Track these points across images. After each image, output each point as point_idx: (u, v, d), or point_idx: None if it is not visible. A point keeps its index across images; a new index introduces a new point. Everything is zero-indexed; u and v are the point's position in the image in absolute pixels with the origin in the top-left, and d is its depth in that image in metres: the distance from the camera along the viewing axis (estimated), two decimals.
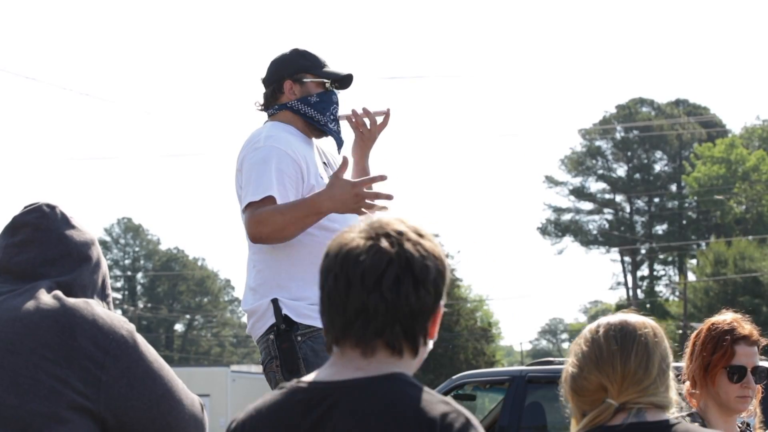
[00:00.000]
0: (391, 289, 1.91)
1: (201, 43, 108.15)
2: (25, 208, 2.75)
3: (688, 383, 3.54)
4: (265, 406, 2.00)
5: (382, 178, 4.11)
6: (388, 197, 4.08)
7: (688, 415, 3.50)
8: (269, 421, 1.97)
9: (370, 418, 1.89)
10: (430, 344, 2.03)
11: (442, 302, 2.00)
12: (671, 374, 2.65)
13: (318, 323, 4.05)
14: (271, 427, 1.97)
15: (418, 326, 1.95)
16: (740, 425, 3.55)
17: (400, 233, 1.96)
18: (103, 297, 2.74)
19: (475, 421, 1.90)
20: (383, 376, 1.93)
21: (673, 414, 2.62)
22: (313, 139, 4.39)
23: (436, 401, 1.91)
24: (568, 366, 2.67)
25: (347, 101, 4.45)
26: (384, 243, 1.94)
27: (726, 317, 3.55)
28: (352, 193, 3.98)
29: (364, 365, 1.94)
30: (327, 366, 2.00)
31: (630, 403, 2.57)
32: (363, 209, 3.97)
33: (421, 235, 1.98)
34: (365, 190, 4.02)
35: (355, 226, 2.00)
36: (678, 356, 3.92)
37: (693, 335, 3.61)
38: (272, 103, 4.37)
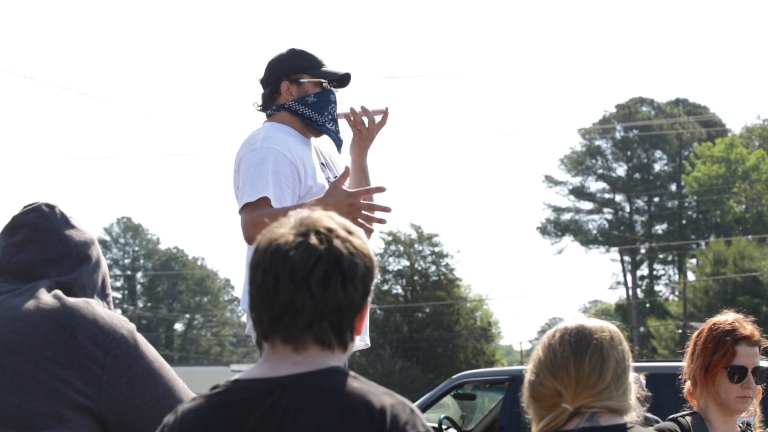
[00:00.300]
0: (319, 285, 1.92)
1: (201, 43, 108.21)
2: (25, 207, 2.76)
3: (688, 383, 3.54)
4: (202, 406, 1.98)
5: (380, 189, 4.07)
6: (385, 209, 4.03)
7: (689, 414, 3.50)
8: (209, 422, 1.94)
9: (318, 412, 1.89)
10: (359, 340, 2.05)
11: (369, 299, 2.03)
12: (630, 378, 2.65)
13: None
14: (213, 427, 1.94)
15: (345, 322, 1.97)
16: (741, 425, 3.55)
17: (330, 230, 1.97)
18: (103, 296, 2.74)
19: (418, 411, 1.93)
20: (324, 370, 1.94)
21: (632, 418, 2.62)
22: (312, 139, 4.39)
23: (381, 393, 1.94)
24: (526, 372, 2.69)
25: (346, 100, 4.45)
26: (313, 239, 1.95)
27: (728, 317, 3.54)
28: (346, 203, 3.96)
29: (300, 360, 1.95)
30: (260, 363, 2.00)
31: (584, 408, 2.58)
32: (359, 220, 3.94)
33: (350, 233, 2.00)
34: (363, 201, 4.00)
35: (286, 221, 2.01)
36: (678, 355, 3.91)
37: (694, 335, 3.60)
38: (270, 104, 4.36)
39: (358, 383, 1.94)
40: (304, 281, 1.92)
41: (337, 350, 1.98)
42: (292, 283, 1.92)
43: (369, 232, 4.05)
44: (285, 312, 1.93)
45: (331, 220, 2.00)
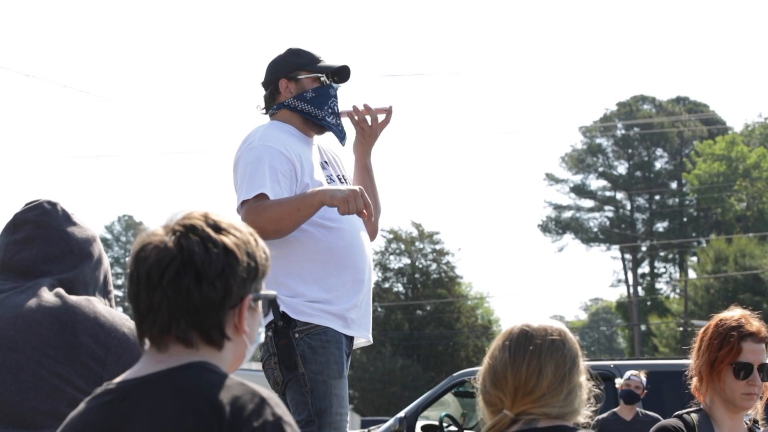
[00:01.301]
0: (171, 284, 1.90)
1: (202, 40, 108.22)
2: (27, 205, 2.76)
3: (695, 379, 3.51)
4: (76, 413, 1.99)
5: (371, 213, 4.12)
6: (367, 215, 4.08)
7: (695, 411, 3.48)
8: (84, 425, 1.95)
9: (163, 409, 1.87)
10: (260, 338, 2.03)
11: (249, 297, 1.97)
12: (576, 380, 2.60)
13: (315, 320, 4.07)
14: (85, 430, 1.95)
15: (208, 320, 1.93)
16: (747, 422, 3.51)
17: (191, 227, 1.94)
18: (105, 294, 2.74)
19: (274, 400, 1.89)
20: (182, 366, 1.92)
21: (579, 419, 2.59)
22: (315, 137, 4.40)
23: (231, 385, 1.90)
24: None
25: (347, 99, 4.44)
26: (170, 238, 1.93)
27: (734, 313, 3.51)
28: (350, 188, 4.01)
29: (164, 358, 1.94)
30: (138, 363, 2.00)
31: (523, 414, 2.57)
32: (356, 203, 3.98)
33: (217, 229, 1.96)
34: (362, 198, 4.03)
35: (165, 221, 1.99)
36: (680, 353, 3.90)
37: (701, 331, 3.57)
38: (271, 104, 4.38)
39: (210, 376, 1.91)
40: (159, 282, 1.91)
41: (204, 349, 1.95)
42: (149, 285, 1.92)
43: (368, 218, 4.10)
44: (147, 314, 1.93)
45: (199, 217, 1.98)
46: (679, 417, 3.47)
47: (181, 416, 1.86)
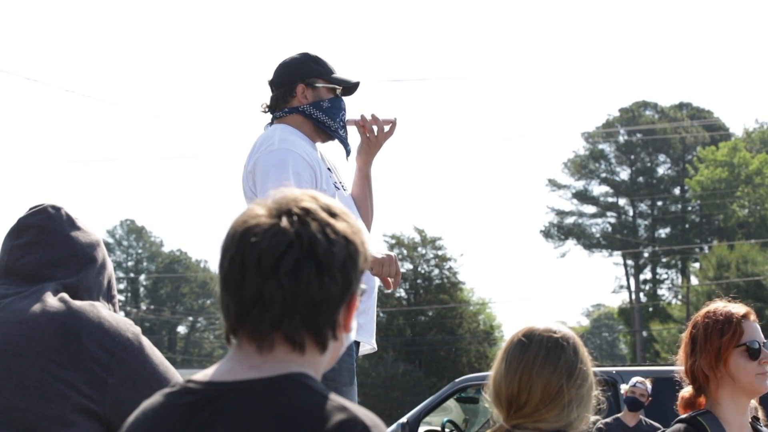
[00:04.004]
0: (289, 275, 1.69)
1: (206, 45, 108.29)
2: (30, 209, 2.75)
3: (689, 388, 3.40)
4: (152, 406, 1.80)
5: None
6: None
7: (701, 414, 3.27)
8: (152, 425, 1.77)
9: (255, 426, 1.67)
10: (351, 336, 1.86)
11: (358, 290, 1.79)
12: (577, 393, 2.55)
13: None
14: (156, 430, 1.76)
15: (323, 318, 1.72)
16: (750, 420, 3.40)
17: (307, 211, 1.73)
18: (109, 298, 2.74)
19: (377, 429, 1.68)
20: (278, 377, 1.71)
21: (579, 428, 2.55)
22: (317, 143, 4.41)
23: (334, 407, 1.68)
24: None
25: (352, 104, 4.47)
26: (285, 222, 1.71)
27: (718, 303, 3.38)
28: (388, 253, 4.10)
29: (259, 363, 1.73)
30: (225, 360, 1.79)
31: (518, 428, 2.55)
32: (389, 268, 4.06)
33: (332, 214, 1.76)
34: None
35: (263, 200, 1.79)
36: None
37: (687, 333, 3.45)
38: (282, 106, 4.37)
39: (311, 395, 1.69)
40: (273, 270, 1.69)
41: (310, 351, 1.74)
42: (259, 273, 1.69)
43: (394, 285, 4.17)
44: (253, 305, 1.70)
45: (311, 200, 1.76)
46: (686, 421, 3.33)
47: None
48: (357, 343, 4.18)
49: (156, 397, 1.81)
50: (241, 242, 1.72)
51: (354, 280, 1.76)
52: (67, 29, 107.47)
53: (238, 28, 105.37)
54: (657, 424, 8.98)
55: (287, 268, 1.69)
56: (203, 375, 1.79)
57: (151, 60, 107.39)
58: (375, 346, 4.29)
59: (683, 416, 3.36)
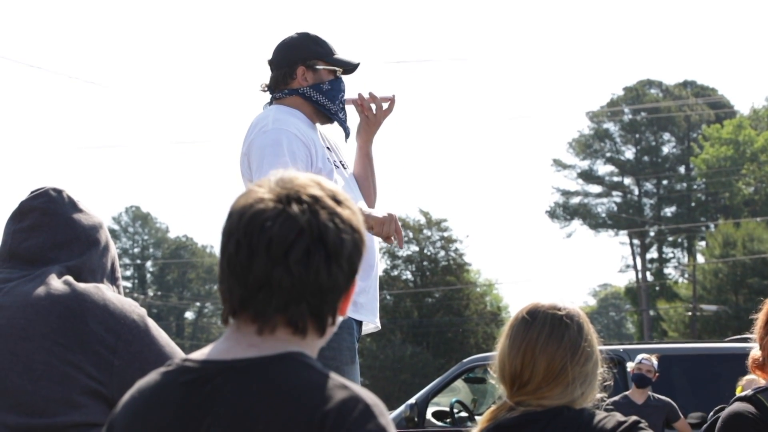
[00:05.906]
0: (299, 262, 1.68)
1: (209, 29, 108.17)
2: (32, 193, 2.75)
3: (759, 353, 3.29)
4: (148, 385, 1.77)
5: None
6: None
7: (760, 392, 3.17)
8: (148, 404, 1.75)
9: (253, 407, 1.65)
10: (370, 323, 1.88)
11: (358, 278, 1.79)
12: (581, 371, 2.53)
13: None
14: (149, 410, 1.74)
15: (327, 305, 1.73)
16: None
17: (315, 199, 1.73)
18: (113, 280, 2.74)
19: (379, 408, 1.68)
20: (278, 356, 1.70)
21: (585, 404, 2.53)
22: (317, 124, 4.39)
23: (335, 387, 1.67)
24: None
25: (353, 86, 4.45)
26: (295, 209, 1.70)
27: None
28: (388, 212, 4.05)
29: (258, 342, 1.72)
30: (221, 340, 1.78)
31: (522, 405, 2.54)
32: (389, 227, 4.01)
33: (338, 202, 1.75)
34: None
35: (265, 182, 1.77)
36: (688, 337, 3.79)
37: (764, 312, 3.32)
38: (281, 87, 4.35)
39: (310, 373, 1.69)
40: (283, 257, 1.68)
41: (310, 335, 1.74)
42: (268, 258, 1.68)
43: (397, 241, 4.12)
44: (259, 290, 1.70)
45: (317, 186, 1.75)
46: (747, 399, 3.19)
47: (274, 419, 1.64)
48: (359, 323, 4.16)
49: (152, 376, 1.79)
50: (249, 226, 1.70)
51: (358, 268, 1.77)
52: (71, 16, 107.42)
53: (239, 10, 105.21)
54: (666, 399, 9.00)
55: (297, 255, 1.68)
56: (200, 354, 1.78)
57: (156, 45, 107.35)
58: (378, 324, 4.25)
59: (743, 393, 3.27)
